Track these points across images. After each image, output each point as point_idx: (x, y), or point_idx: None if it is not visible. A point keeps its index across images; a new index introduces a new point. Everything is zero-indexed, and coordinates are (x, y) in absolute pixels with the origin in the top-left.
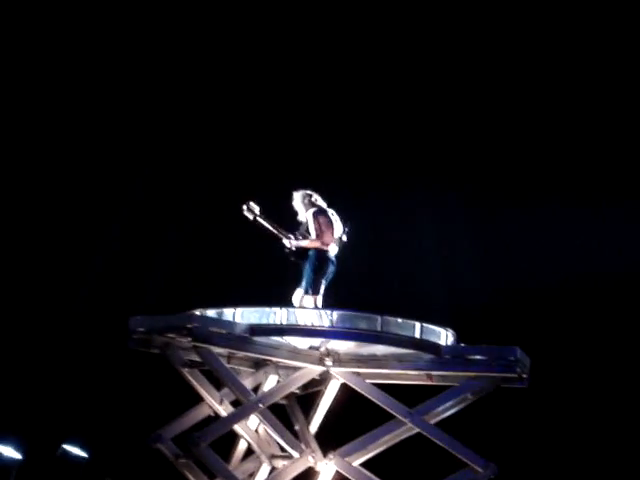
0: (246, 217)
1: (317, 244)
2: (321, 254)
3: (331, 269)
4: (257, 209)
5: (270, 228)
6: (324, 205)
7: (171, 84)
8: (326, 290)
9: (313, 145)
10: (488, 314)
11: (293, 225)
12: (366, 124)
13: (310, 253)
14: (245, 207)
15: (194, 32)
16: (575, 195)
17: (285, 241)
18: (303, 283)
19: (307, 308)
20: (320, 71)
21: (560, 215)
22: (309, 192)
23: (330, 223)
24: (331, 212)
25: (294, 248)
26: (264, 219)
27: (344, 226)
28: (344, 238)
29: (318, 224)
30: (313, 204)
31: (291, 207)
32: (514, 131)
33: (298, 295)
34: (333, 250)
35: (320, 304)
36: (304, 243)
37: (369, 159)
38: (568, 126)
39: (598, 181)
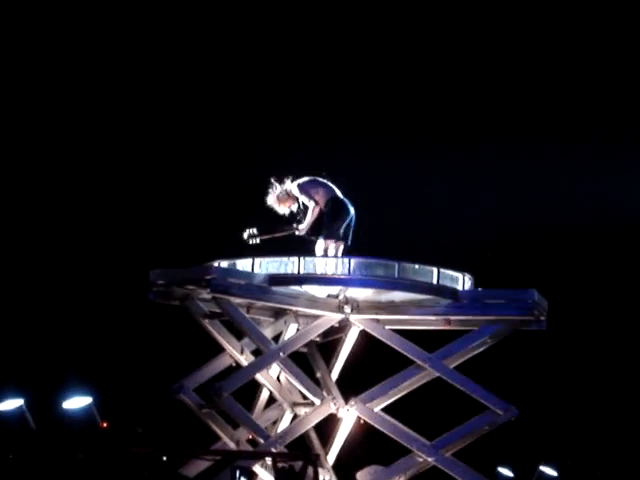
0: (252, 244)
1: (318, 209)
2: (333, 202)
3: (348, 213)
4: (255, 231)
5: (277, 236)
6: (292, 181)
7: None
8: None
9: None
10: (505, 257)
11: None
12: (365, 78)
13: (325, 207)
14: (247, 237)
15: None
16: (588, 132)
17: (296, 232)
18: (323, 231)
19: (325, 257)
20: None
21: (575, 153)
22: (277, 186)
23: (314, 182)
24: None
25: (308, 232)
26: (267, 234)
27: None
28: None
29: (307, 193)
30: (287, 192)
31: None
32: (521, 68)
33: (320, 244)
34: (340, 194)
35: (340, 252)
36: (310, 220)
37: (381, 114)
38: (576, 59)
39: (612, 117)
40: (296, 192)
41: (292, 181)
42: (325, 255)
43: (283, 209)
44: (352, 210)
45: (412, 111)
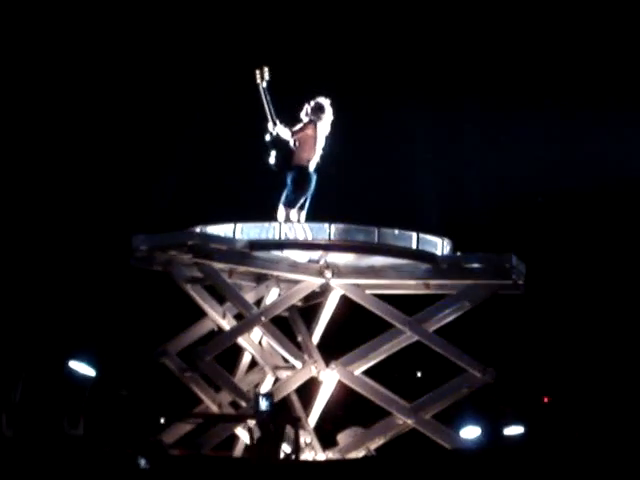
0: (254, 79)
1: (292, 141)
2: (300, 170)
3: (312, 184)
4: (266, 77)
5: (265, 103)
6: (324, 119)
7: None
8: (316, 204)
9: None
10: (484, 223)
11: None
12: (360, 34)
13: (291, 170)
14: (259, 70)
15: None
16: (573, 99)
17: (270, 124)
18: (283, 198)
19: (305, 223)
20: None
21: (556, 121)
22: (321, 102)
23: (314, 139)
24: (323, 128)
25: (274, 133)
26: (266, 91)
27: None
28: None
29: (304, 135)
30: (314, 113)
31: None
32: (506, 34)
33: (281, 211)
34: (312, 165)
35: (302, 219)
36: (285, 134)
37: (364, 71)
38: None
39: (599, 83)
40: (308, 108)
41: (319, 111)
42: (289, 221)
43: (303, 111)
44: (314, 182)
45: (394, 69)
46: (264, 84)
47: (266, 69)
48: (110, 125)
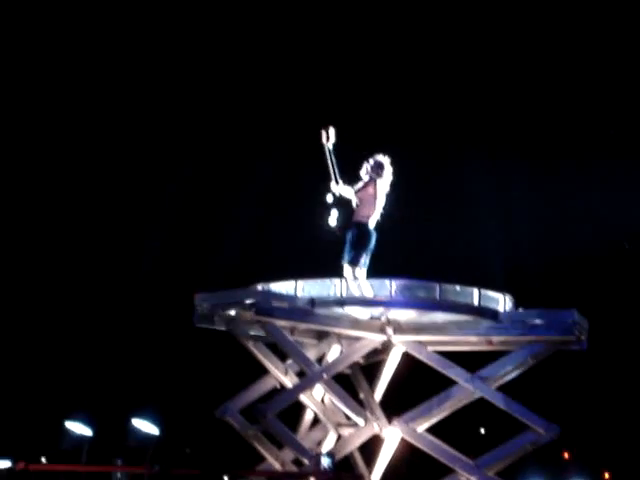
0: (320, 138)
1: (354, 198)
2: (361, 227)
3: (372, 241)
4: (332, 138)
5: (329, 162)
6: (384, 176)
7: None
8: (377, 260)
9: (370, 109)
10: (545, 278)
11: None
12: (421, 86)
13: (351, 227)
14: (324, 130)
15: None
16: (635, 157)
17: (333, 183)
18: (346, 256)
19: (365, 279)
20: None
21: (618, 177)
22: (380, 160)
23: (374, 197)
24: (383, 185)
25: (337, 193)
26: (330, 152)
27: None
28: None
29: (364, 192)
30: (374, 171)
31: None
32: (569, 92)
33: (346, 269)
34: (372, 223)
35: (364, 276)
36: (348, 193)
37: (426, 124)
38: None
39: None
40: (368, 166)
41: (379, 169)
42: (354, 279)
43: (362, 174)
44: (374, 238)
45: (454, 126)
46: (330, 145)
47: (332, 129)
48: (173, 186)
